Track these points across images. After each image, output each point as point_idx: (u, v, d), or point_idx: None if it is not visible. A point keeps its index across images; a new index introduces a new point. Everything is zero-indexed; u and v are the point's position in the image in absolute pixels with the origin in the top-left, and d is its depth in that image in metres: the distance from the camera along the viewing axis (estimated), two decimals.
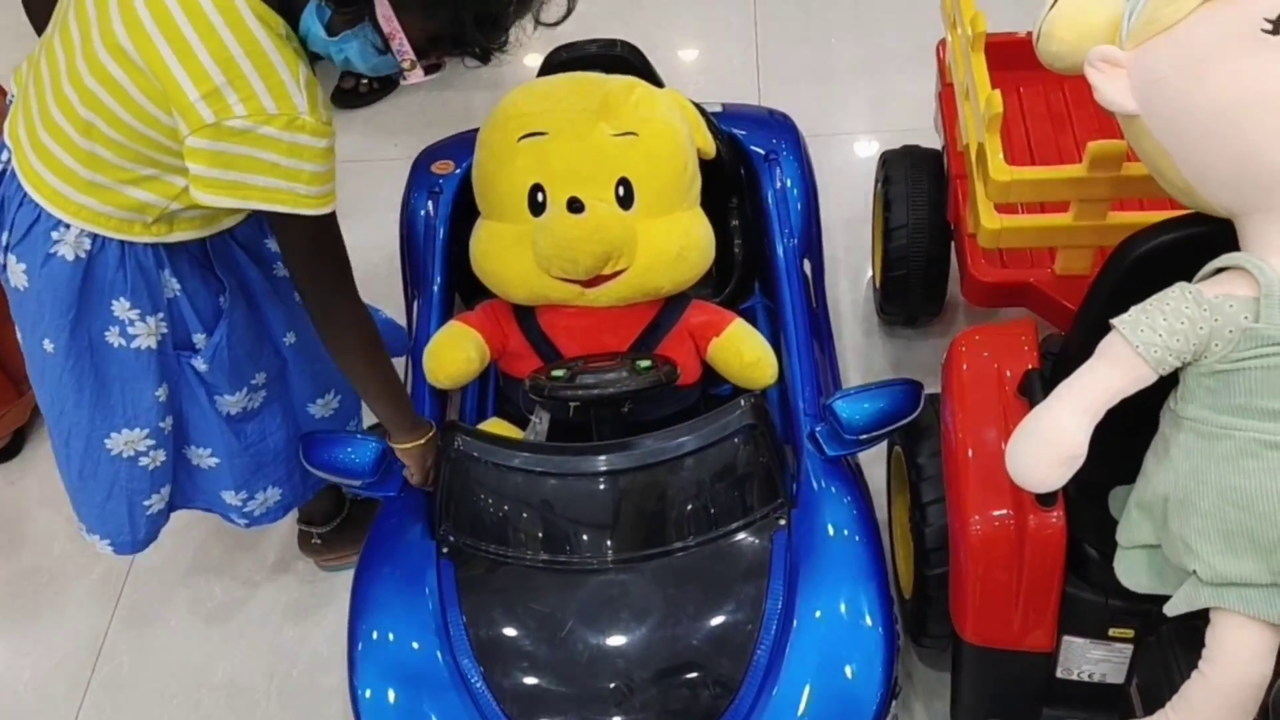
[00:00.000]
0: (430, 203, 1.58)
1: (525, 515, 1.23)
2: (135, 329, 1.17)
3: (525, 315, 1.42)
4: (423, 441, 1.27)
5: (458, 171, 1.59)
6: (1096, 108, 1.62)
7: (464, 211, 1.55)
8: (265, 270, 1.23)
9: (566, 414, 1.36)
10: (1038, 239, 1.34)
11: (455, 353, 1.38)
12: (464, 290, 1.58)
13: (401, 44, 1.01)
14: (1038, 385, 1.10)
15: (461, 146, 1.61)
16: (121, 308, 1.15)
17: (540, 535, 1.21)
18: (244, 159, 1.00)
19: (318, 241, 1.10)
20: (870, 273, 1.87)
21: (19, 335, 1.21)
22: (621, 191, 1.33)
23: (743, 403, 1.24)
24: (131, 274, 1.14)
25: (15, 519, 1.76)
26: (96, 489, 1.27)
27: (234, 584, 1.64)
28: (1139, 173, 1.19)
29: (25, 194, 1.11)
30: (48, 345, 1.17)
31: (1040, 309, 1.39)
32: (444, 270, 1.54)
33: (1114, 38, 1.00)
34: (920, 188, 1.60)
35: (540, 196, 1.34)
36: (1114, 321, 0.96)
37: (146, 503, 1.29)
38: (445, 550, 1.24)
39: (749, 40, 2.34)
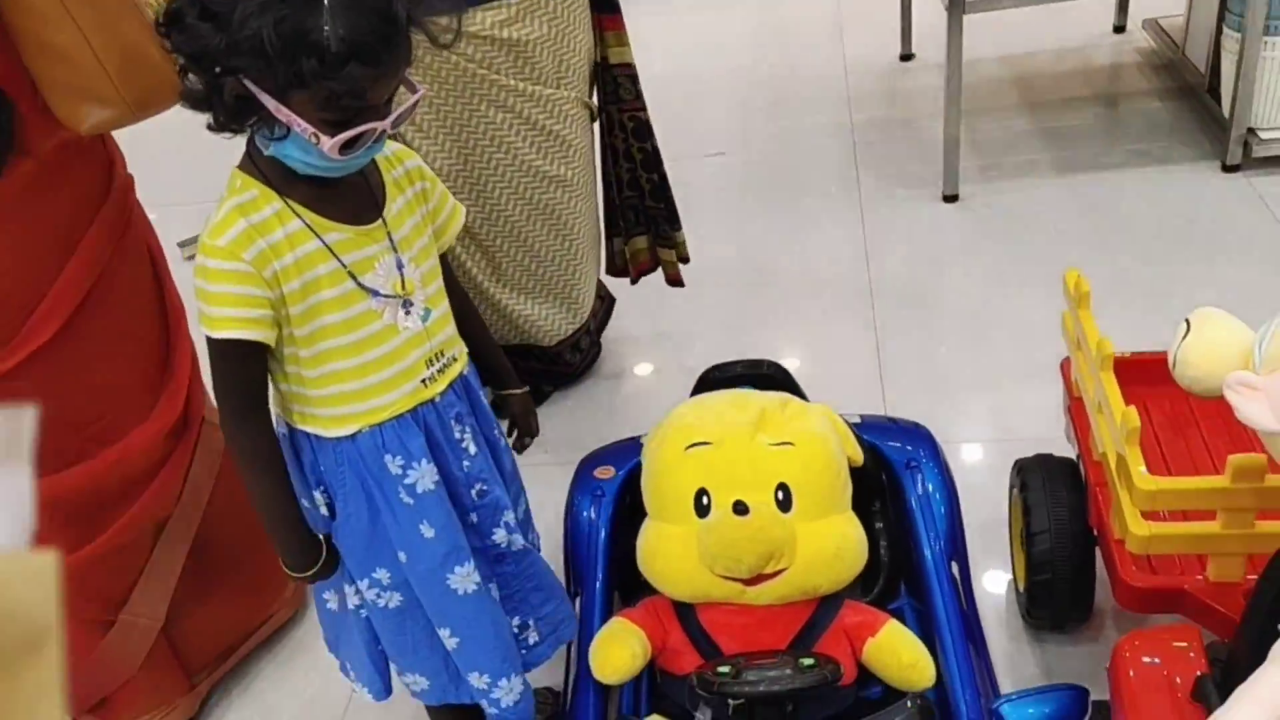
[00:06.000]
0: (593, 506, 1.71)
1: None
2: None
3: (686, 612, 1.49)
4: (305, 576, 1.32)
5: (618, 476, 1.73)
6: (1224, 420, 1.72)
7: (623, 513, 1.67)
8: (383, 487, 1.29)
9: (727, 713, 1.40)
10: (1187, 546, 1.39)
11: (621, 649, 1.45)
12: (622, 588, 1.67)
13: (304, 127, 1.09)
14: (1212, 691, 1.11)
15: (620, 453, 1.76)
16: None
17: None
18: None
19: (212, 362, 1.21)
20: (1010, 577, 1.90)
21: None
22: (780, 495, 1.44)
23: (909, 704, 1.26)
24: (289, 451, 1.30)
25: None
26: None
27: None
28: None
29: None
30: None
31: (1196, 615, 1.40)
32: (605, 569, 1.64)
33: (1247, 363, 1.11)
34: (1059, 495, 1.67)
35: (705, 500, 1.45)
36: None
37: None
38: None
39: (872, 357, 2.52)
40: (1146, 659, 1.23)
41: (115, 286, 1.51)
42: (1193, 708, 1.15)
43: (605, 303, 2.55)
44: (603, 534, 1.67)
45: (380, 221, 1.25)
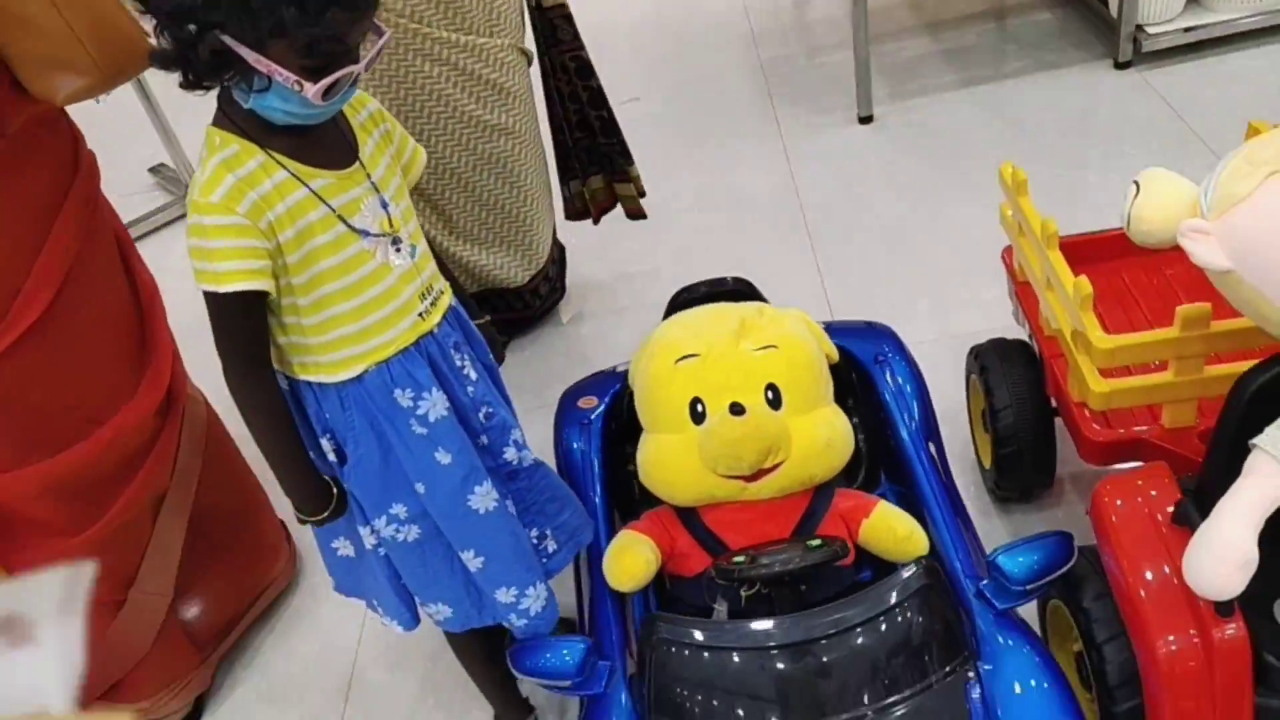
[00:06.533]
0: (582, 435, 1.76)
1: (738, 694, 1.31)
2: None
3: (690, 516, 1.56)
4: (318, 519, 1.36)
5: (601, 405, 1.79)
6: (1154, 290, 1.85)
7: (610, 440, 1.73)
8: (394, 422, 1.32)
9: (740, 604, 1.48)
10: (1144, 397, 1.51)
11: (635, 556, 1.51)
12: (620, 509, 1.73)
13: (286, 76, 1.11)
14: (1193, 511, 1.23)
15: (599, 384, 1.82)
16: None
17: (761, 714, 1.29)
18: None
19: (214, 320, 1.22)
20: (974, 458, 2.02)
21: None
22: (770, 395, 1.52)
23: (916, 565, 1.36)
24: (293, 404, 1.32)
25: None
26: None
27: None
28: (1227, 328, 1.38)
29: None
30: None
31: (1153, 459, 1.53)
32: (602, 492, 1.70)
33: (1195, 212, 1.21)
34: (1016, 372, 1.79)
35: (700, 407, 1.52)
36: (1256, 442, 1.11)
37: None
38: None
39: (814, 275, 2.61)
40: (1125, 497, 1.34)
41: (90, 264, 1.50)
42: (1175, 532, 1.26)
43: (560, 249, 2.58)
44: (595, 459, 1.73)
45: (358, 164, 1.28)
